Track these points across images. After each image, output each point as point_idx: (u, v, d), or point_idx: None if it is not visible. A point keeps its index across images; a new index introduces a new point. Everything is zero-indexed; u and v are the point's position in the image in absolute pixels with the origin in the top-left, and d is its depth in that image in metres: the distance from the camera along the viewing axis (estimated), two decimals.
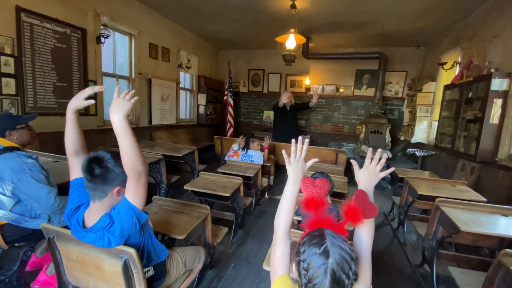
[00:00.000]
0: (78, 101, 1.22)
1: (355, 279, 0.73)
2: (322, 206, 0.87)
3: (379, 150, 1.00)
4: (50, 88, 3.28)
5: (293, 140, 1.00)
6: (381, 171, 1.00)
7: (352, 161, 1.05)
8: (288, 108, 5.08)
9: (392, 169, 1.03)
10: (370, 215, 0.86)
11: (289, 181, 0.98)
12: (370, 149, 0.99)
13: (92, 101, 1.23)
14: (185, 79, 6.45)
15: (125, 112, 1.03)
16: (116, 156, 1.10)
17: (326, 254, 0.72)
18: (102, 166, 1.07)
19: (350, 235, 1.06)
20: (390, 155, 5.19)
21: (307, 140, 1.02)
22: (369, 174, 0.96)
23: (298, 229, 1.62)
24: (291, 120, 5.24)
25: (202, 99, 6.77)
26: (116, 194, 1.12)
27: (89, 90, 1.22)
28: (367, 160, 0.98)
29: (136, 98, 1.11)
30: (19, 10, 2.89)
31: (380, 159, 1.00)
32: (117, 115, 1.02)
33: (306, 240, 0.78)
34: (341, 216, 0.85)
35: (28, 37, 3.00)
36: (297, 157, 0.99)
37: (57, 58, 3.33)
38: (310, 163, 1.01)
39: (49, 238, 1.24)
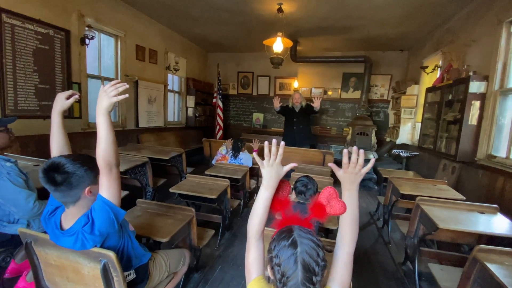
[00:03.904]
0: (62, 102, 1.28)
1: (325, 266, 0.75)
2: (287, 205, 0.89)
3: (354, 148, 0.93)
4: (31, 90, 3.19)
5: (266, 143, 0.93)
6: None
7: (330, 164, 0.99)
8: (296, 110, 4.71)
9: (373, 159, 0.94)
10: (338, 212, 0.86)
11: (262, 185, 0.94)
12: (345, 151, 0.92)
13: (76, 97, 1.31)
14: (173, 81, 6.40)
15: (104, 106, 1.07)
16: (74, 158, 1.09)
17: (294, 244, 0.75)
18: (62, 173, 1.03)
19: (335, 236, 1.04)
20: (376, 156, 5.30)
21: (282, 143, 0.95)
22: (349, 176, 0.91)
23: None
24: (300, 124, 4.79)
25: (190, 101, 6.73)
26: (89, 194, 1.10)
27: (68, 92, 1.31)
28: (344, 165, 0.92)
29: (123, 96, 1.13)
30: (0, 11, 2.82)
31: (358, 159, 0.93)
32: (98, 107, 1.07)
33: (275, 237, 0.81)
34: (307, 212, 0.88)
35: (9, 38, 2.92)
36: (271, 161, 0.92)
37: (40, 59, 3.25)
38: (287, 167, 0.95)
39: (27, 243, 1.21)
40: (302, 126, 4.79)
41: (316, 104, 4.44)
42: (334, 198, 0.88)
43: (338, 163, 0.95)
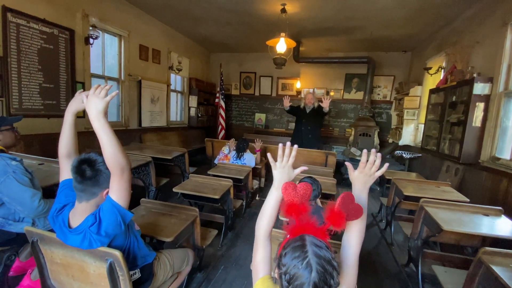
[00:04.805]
0: (78, 103, 1.23)
1: (337, 286, 0.72)
2: (304, 212, 0.83)
3: (373, 150, 0.94)
4: (36, 90, 3.21)
5: (280, 145, 0.94)
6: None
7: (346, 163, 0.99)
8: (307, 111, 4.62)
9: (386, 165, 0.95)
10: (354, 217, 0.84)
11: (274, 186, 0.94)
12: (365, 151, 0.93)
13: None
14: (176, 81, 6.42)
15: (99, 109, 1.06)
16: None
17: (309, 268, 0.70)
18: (94, 169, 1.06)
19: (339, 236, 1.01)
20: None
21: (295, 147, 0.96)
22: (364, 177, 0.93)
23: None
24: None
25: (193, 101, 6.74)
26: (105, 196, 1.11)
27: (87, 93, 1.24)
28: (361, 164, 0.93)
29: (113, 94, 1.12)
30: (6, 10, 2.83)
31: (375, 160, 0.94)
32: (93, 113, 1.05)
33: (288, 251, 0.75)
34: (323, 219, 0.83)
35: (14, 38, 2.94)
36: (284, 163, 0.94)
37: (44, 59, 3.27)
38: (298, 170, 0.96)
39: (33, 241, 1.22)
40: (310, 128, 4.70)
41: (325, 105, 4.28)
42: (352, 204, 0.85)
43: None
